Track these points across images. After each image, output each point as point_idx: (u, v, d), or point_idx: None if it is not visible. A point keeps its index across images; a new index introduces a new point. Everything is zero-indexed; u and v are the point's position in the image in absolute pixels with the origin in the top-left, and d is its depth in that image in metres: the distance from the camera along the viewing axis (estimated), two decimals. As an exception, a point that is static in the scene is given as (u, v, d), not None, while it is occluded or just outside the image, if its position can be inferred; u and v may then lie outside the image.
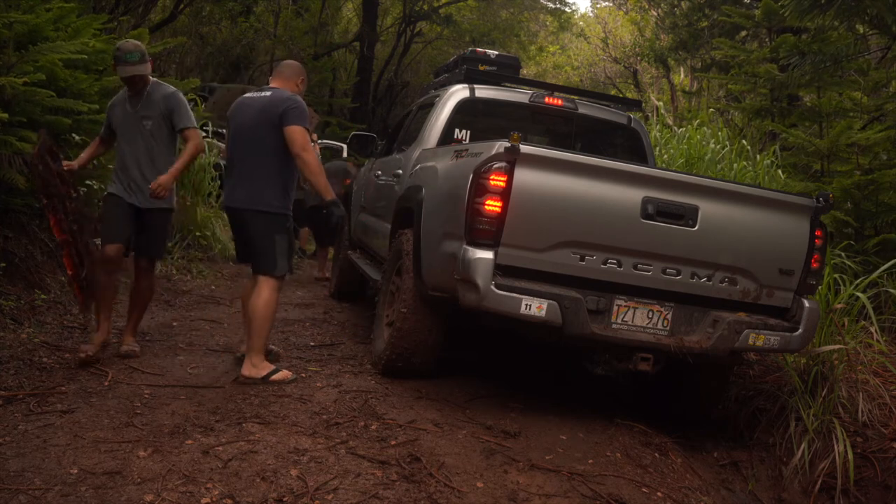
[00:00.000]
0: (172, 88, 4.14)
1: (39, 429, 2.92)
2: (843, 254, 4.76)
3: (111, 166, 5.85)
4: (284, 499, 2.55)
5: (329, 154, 11.71)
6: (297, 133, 3.69)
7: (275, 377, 3.77)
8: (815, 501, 3.43)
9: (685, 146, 7.47)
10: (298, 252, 9.74)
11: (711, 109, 12.18)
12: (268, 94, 3.82)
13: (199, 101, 9.05)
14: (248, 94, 3.97)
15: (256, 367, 3.77)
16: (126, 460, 2.71)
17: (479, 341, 4.91)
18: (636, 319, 3.48)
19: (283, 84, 3.90)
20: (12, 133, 4.48)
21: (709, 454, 3.93)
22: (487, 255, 3.25)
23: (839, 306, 4.05)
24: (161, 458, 2.76)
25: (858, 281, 4.23)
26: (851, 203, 5.51)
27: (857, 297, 4.09)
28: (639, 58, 20.76)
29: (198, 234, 7.48)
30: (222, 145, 7.74)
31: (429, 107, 5.01)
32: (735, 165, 6.78)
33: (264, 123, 3.74)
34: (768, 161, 6.68)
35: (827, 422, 3.62)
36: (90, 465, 2.64)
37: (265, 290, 3.83)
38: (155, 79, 4.18)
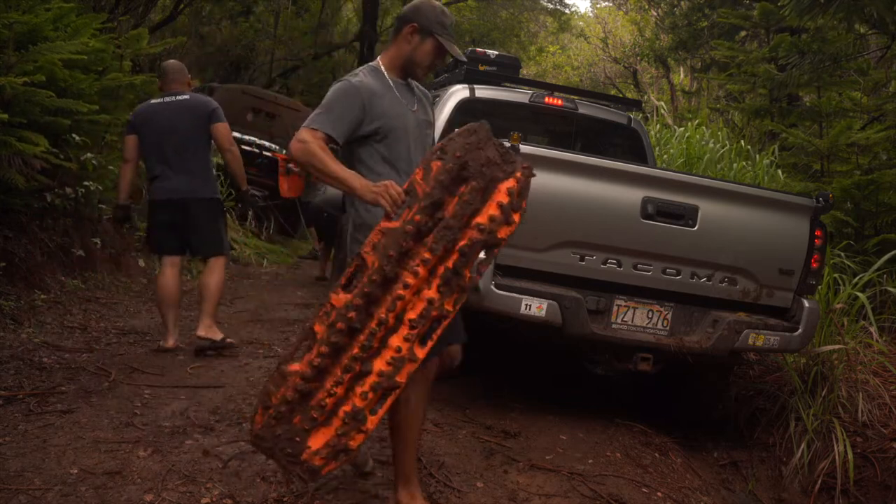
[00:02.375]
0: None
1: (39, 429, 2.92)
2: (842, 254, 4.76)
3: (111, 167, 5.89)
4: (284, 499, 2.55)
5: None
6: (225, 129, 4.26)
7: (227, 340, 4.32)
8: (815, 501, 3.43)
9: (685, 146, 7.47)
10: (311, 252, 9.77)
11: (711, 109, 12.18)
12: (186, 96, 4.27)
13: None
14: (160, 100, 4.29)
15: (211, 328, 4.25)
16: (126, 460, 2.71)
17: (480, 342, 4.90)
18: (636, 319, 3.48)
19: (183, 87, 4.33)
20: (12, 133, 4.48)
21: (709, 454, 3.93)
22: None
23: (839, 306, 4.05)
24: (161, 458, 2.76)
25: (856, 279, 4.23)
26: (851, 203, 5.51)
27: (857, 297, 4.09)
28: (639, 58, 20.75)
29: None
30: None
31: (429, 107, 5.01)
32: (735, 165, 6.78)
33: (195, 122, 4.20)
34: (768, 161, 6.68)
35: (827, 422, 3.62)
36: (90, 465, 2.64)
37: (218, 268, 4.33)
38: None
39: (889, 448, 3.49)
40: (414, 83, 2.67)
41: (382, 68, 2.59)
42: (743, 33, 11.88)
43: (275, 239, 10.25)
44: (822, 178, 6.29)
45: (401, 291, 2.14)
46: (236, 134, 6.59)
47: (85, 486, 2.49)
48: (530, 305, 3.25)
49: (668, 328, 3.51)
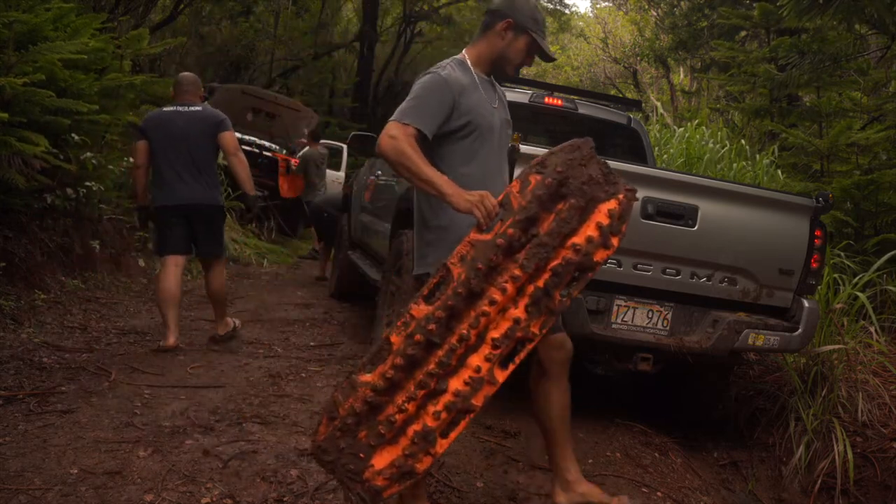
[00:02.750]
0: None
1: (39, 429, 2.92)
2: (842, 254, 4.76)
3: (111, 167, 5.90)
4: (284, 499, 2.55)
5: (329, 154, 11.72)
6: (232, 137, 4.50)
7: (237, 324, 4.66)
8: (815, 501, 3.43)
9: (685, 146, 7.47)
10: (311, 252, 9.79)
11: (711, 109, 12.18)
12: (198, 108, 4.46)
13: None
14: (172, 109, 4.45)
15: (226, 325, 4.57)
16: (126, 460, 2.71)
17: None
18: (636, 319, 3.48)
19: (196, 98, 4.55)
20: (12, 133, 4.48)
21: (709, 454, 3.93)
22: (487, 255, 3.25)
23: (839, 306, 4.05)
24: (161, 458, 2.76)
25: (856, 279, 4.24)
26: (851, 203, 5.51)
27: (857, 297, 4.09)
28: (639, 58, 20.76)
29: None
30: None
31: (429, 107, 5.01)
32: (734, 165, 6.78)
33: (205, 131, 4.41)
34: (768, 161, 6.68)
35: (827, 422, 3.62)
36: (90, 465, 2.64)
37: (220, 270, 4.59)
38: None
39: (889, 448, 3.49)
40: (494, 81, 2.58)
41: (469, 63, 2.48)
42: (743, 33, 11.89)
43: (275, 239, 10.26)
44: (822, 178, 6.29)
45: (486, 308, 2.02)
46: (236, 134, 6.58)
47: (85, 486, 2.49)
48: (530, 305, 3.24)
49: (668, 328, 3.51)
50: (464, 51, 2.53)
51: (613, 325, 3.44)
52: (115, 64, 6.11)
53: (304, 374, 4.06)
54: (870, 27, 6.24)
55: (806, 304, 3.58)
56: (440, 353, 2.02)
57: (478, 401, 2.02)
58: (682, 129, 8.22)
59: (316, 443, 2.06)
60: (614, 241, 2.11)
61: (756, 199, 3.53)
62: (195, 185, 4.36)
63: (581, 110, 4.85)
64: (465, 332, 2.02)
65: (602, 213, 2.09)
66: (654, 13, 18.67)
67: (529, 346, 2.07)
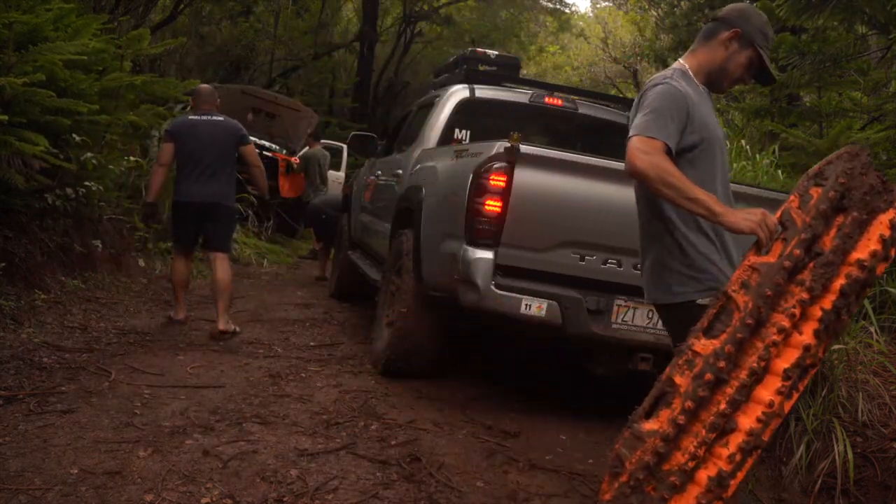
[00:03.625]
0: None
1: (39, 429, 2.92)
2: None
3: (111, 167, 5.90)
4: (284, 499, 2.55)
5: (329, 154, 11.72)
6: (253, 150, 5.05)
7: (237, 329, 4.82)
8: (815, 501, 3.43)
9: (685, 146, 7.45)
10: (310, 253, 9.79)
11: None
12: (220, 118, 4.90)
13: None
14: (197, 117, 4.88)
15: (229, 323, 4.72)
16: (126, 460, 2.71)
17: (480, 341, 4.91)
18: (636, 319, 3.48)
19: (214, 108, 4.97)
20: (12, 133, 4.48)
21: (709, 454, 3.93)
22: (487, 255, 3.26)
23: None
24: (161, 458, 2.76)
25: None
26: (851, 203, 5.50)
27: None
28: (639, 58, 20.76)
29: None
30: None
31: (429, 107, 5.01)
32: (734, 165, 6.77)
33: (227, 141, 4.85)
34: (768, 161, 6.68)
35: (827, 422, 3.62)
36: (90, 465, 2.64)
37: (226, 264, 4.88)
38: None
39: (889, 448, 3.49)
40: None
41: (691, 73, 2.29)
42: (743, 33, 11.88)
43: (275, 239, 10.26)
44: (823, 178, 6.28)
45: (775, 337, 1.85)
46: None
47: (85, 486, 2.49)
48: (530, 305, 3.25)
49: (668, 328, 3.51)
50: (681, 60, 2.35)
51: (613, 325, 3.44)
52: (116, 64, 6.10)
53: (304, 374, 4.06)
54: (870, 27, 6.23)
55: (806, 304, 3.58)
56: (730, 390, 1.86)
57: (767, 437, 1.86)
58: (682, 129, 8.20)
59: (602, 503, 1.92)
60: (893, 253, 1.96)
61: (756, 200, 3.53)
62: (211, 187, 4.77)
63: (581, 110, 4.85)
64: (754, 365, 1.85)
65: (883, 225, 1.93)
66: (654, 13, 18.66)
67: (812, 372, 1.91)
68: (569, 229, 3.34)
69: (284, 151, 11.05)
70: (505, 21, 22.07)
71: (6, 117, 4.27)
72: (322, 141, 11.40)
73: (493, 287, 3.23)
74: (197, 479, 2.62)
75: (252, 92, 11.39)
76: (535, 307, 3.25)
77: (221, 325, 4.69)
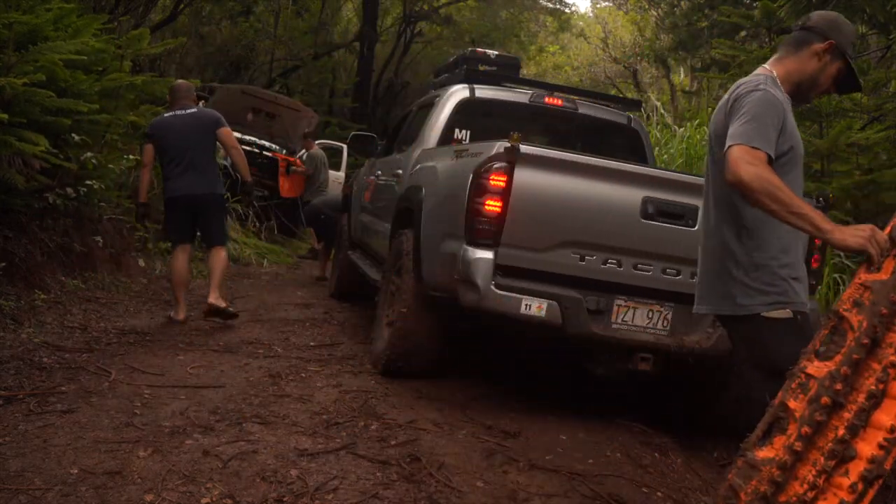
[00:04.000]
0: None
1: (39, 429, 2.92)
2: (842, 253, 4.76)
3: (111, 166, 5.90)
4: (284, 499, 2.54)
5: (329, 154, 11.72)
6: (229, 132, 5.12)
7: (231, 310, 5.05)
8: (815, 501, 3.43)
9: (685, 146, 7.47)
10: (309, 252, 9.79)
11: (711, 109, 12.17)
12: (193, 110, 5.05)
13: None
14: (171, 114, 5.04)
15: (219, 299, 4.94)
16: (126, 460, 2.71)
17: (480, 341, 4.91)
18: (636, 319, 3.48)
19: (190, 101, 5.13)
20: (12, 133, 4.48)
21: (709, 454, 3.93)
22: (487, 255, 3.26)
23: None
24: (161, 458, 2.76)
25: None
26: (851, 203, 5.51)
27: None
28: (639, 58, 20.76)
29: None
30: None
31: (429, 107, 5.01)
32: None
33: (205, 129, 4.99)
34: (768, 161, 6.67)
35: (827, 422, 3.61)
36: (90, 465, 2.64)
37: (223, 254, 5.13)
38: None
39: (889, 448, 3.48)
40: None
41: (779, 80, 2.22)
42: (743, 33, 11.87)
43: (275, 239, 10.26)
44: (822, 178, 6.29)
45: (893, 357, 1.77)
46: (236, 134, 6.63)
47: (85, 486, 2.49)
48: (530, 305, 3.25)
49: (668, 328, 3.51)
50: (767, 66, 2.29)
51: (613, 325, 3.44)
52: (116, 64, 6.11)
53: (304, 374, 4.06)
54: (870, 27, 6.23)
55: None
56: (847, 414, 1.78)
57: (889, 464, 1.75)
58: (682, 129, 8.22)
59: None
60: None
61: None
62: (197, 179, 4.91)
63: (581, 110, 4.85)
64: (872, 387, 1.77)
65: None
66: (654, 13, 18.66)
67: None
68: (569, 229, 3.34)
69: (284, 151, 11.05)
70: (505, 21, 22.08)
71: (6, 117, 4.28)
72: (322, 141, 11.39)
73: (493, 287, 3.23)
74: (197, 479, 2.62)
75: (252, 92, 11.39)
76: (535, 307, 3.25)
77: (212, 298, 4.88)
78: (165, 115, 5.10)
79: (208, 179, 4.97)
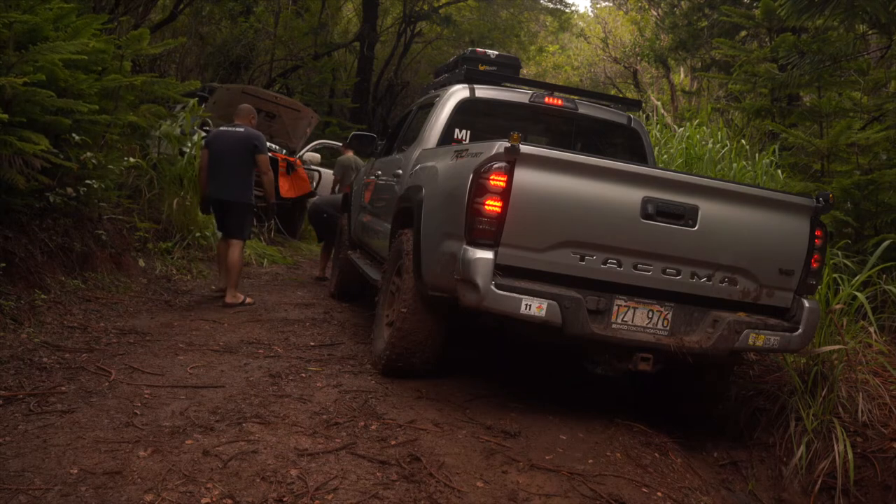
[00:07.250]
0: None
1: (39, 429, 2.92)
2: (839, 253, 4.76)
3: (111, 166, 5.89)
4: (284, 499, 2.55)
5: (329, 154, 11.72)
6: (265, 159, 6.02)
7: (247, 300, 5.96)
8: (815, 501, 3.43)
9: (685, 146, 7.46)
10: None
11: (711, 109, 12.18)
12: (242, 129, 5.97)
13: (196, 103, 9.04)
14: (225, 128, 6.05)
15: (235, 297, 5.88)
16: (126, 460, 2.71)
17: (480, 341, 4.91)
18: (636, 319, 3.48)
19: (246, 122, 6.07)
20: (12, 133, 4.48)
21: (709, 454, 3.93)
22: (487, 255, 3.25)
23: (838, 306, 4.04)
24: (161, 458, 2.76)
25: (856, 280, 4.23)
26: (851, 203, 5.51)
27: (856, 297, 4.09)
28: (639, 58, 20.75)
29: (198, 234, 7.48)
30: None
31: (429, 107, 5.01)
32: (734, 165, 6.78)
33: (247, 148, 5.90)
34: (768, 161, 6.68)
35: (827, 422, 3.62)
36: (90, 465, 2.64)
37: (237, 248, 5.98)
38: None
39: (889, 448, 3.48)
40: None
41: None
42: (743, 33, 11.88)
43: (274, 239, 10.25)
44: (822, 178, 6.28)
45: None
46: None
47: (85, 486, 2.49)
48: (530, 305, 3.24)
49: (668, 328, 3.51)
50: None
51: (613, 325, 3.44)
52: (115, 64, 6.11)
53: (304, 374, 4.06)
54: (870, 27, 6.23)
55: (806, 304, 3.58)
56: None
57: None
58: (682, 129, 8.21)
59: None
60: None
61: (756, 199, 3.53)
62: (225, 185, 5.85)
63: (581, 110, 4.85)
64: None
65: None
66: (654, 13, 18.66)
67: None
68: (569, 229, 3.34)
69: (284, 151, 11.05)
70: (505, 21, 22.08)
71: (7, 117, 4.28)
72: (322, 141, 11.37)
73: (493, 287, 3.23)
74: (197, 479, 2.62)
75: (252, 92, 11.38)
76: (535, 307, 3.24)
77: (228, 299, 5.82)
78: (222, 128, 6.09)
79: (236, 188, 5.85)
